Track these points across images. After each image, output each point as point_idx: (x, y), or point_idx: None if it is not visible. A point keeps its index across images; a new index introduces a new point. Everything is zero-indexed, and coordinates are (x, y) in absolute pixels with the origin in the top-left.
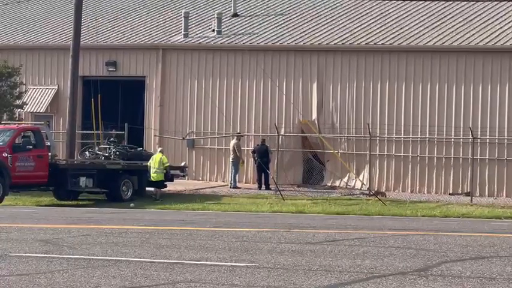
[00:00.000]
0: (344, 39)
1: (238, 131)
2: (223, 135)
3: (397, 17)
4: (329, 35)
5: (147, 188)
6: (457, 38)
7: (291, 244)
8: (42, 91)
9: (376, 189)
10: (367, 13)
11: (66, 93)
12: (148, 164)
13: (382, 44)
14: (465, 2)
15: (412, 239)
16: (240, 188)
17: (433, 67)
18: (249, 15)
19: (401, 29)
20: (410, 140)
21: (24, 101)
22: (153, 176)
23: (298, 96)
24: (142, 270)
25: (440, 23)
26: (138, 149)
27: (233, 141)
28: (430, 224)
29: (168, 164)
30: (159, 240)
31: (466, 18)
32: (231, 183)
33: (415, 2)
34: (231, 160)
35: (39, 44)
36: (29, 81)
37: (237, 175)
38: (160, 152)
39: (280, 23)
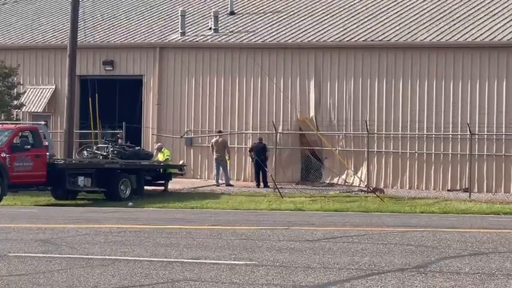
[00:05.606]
0: (341, 36)
1: (224, 129)
2: (221, 133)
3: (393, 13)
4: (326, 32)
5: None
6: (454, 34)
7: (290, 242)
8: (39, 91)
9: (374, 186)
10: (363, 10)
11: (64, 93)
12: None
13: (379, 40)
14: None
15: (410, 235)
16: (232, 185)
17: (430, 63)
18: (246, 13)
19: (398, 25)
20: (408, 137)
21: (22, 101)
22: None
23: (295, 94)
24: (141, 269)
25: (437, 19)
26: (136, 148)
27: (217, 139)
28: (429, 220)
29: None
30: (157, 239)
31: (462, 14)
32: (224, 181)
33: None
34: (217, 158)
35: (36, 43)
36: (27, 81)
37: (229, 172)
38: (162, 148)
39: (276, 20)
